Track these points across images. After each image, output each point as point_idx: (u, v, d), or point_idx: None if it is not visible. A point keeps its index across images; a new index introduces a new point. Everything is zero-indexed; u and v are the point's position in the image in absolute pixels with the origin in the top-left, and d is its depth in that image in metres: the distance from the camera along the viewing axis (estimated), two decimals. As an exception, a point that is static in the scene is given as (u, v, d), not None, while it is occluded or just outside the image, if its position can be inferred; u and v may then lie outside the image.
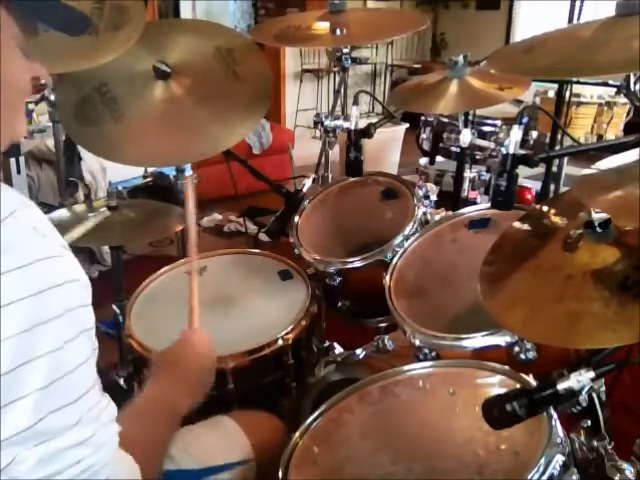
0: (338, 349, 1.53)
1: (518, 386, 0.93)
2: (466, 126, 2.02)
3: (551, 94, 3.43)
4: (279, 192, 1.78)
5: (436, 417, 1.03)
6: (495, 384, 1.01)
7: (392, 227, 1.53)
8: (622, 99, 3.37)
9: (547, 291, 0.95)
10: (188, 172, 1.89)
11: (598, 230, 0.96)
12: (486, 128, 3.06)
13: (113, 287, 1.67)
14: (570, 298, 0.91)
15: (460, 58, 1.69)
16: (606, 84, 3.06)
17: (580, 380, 0.80)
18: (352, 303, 1.55)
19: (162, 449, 0.93)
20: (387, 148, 4.61)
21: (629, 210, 0.84)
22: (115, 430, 0.71)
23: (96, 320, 0.70)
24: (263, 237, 2.26)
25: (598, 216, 0.96)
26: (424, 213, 1.55)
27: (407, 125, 4.69)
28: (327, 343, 1.54)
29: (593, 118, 3.63)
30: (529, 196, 3.21)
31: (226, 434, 1.10)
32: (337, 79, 2.61)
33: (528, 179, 3.36)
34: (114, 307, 1.65)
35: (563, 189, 2.90)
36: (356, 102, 1.60)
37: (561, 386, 0.80)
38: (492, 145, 1.47)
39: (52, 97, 2.14)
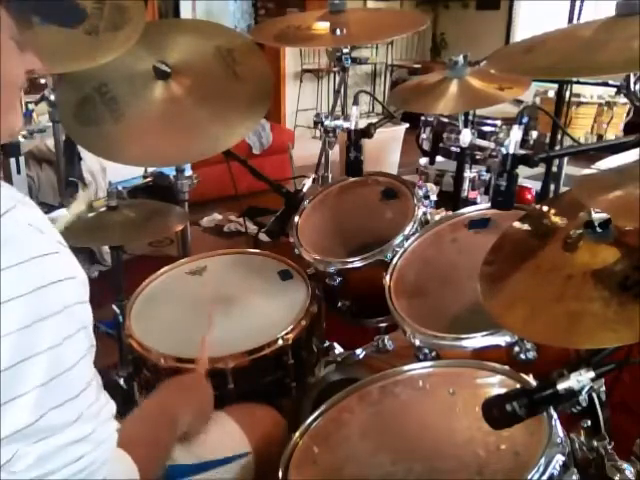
0: (338, 349, 1.53)
1: (518, 386, 0.93)
2: (466, 126, 2.02)
3: (551, 94, 3.43)
4: (279, 192, 1.78)
5: (436, 417, 1.03)
6: (495, 384, 1.01)
7: (392, 227, 1.53)
8: (622, 99, 3.37)
9: (547, 291, 0.95)
10: (188, 172, 1.89)
11: (598, 230, 0.96)
12: (486, 128, 3.06)
13: (113, 287, 1.67)
14: (570, 298, 0.91)
15: (460, 58, 1.69)
16: (606, 84, 3.06)
17: (580, 380, 0.80)
18: (352, 303, 1.55)
19: (163, 452, 0.93)
20: (387, 148, 4.61)
21: (629, 210, 0.84)
22: (114, 427, 0.71)
23: (96, 320, 0.70)
24: (263, 237, 2.26)
25: (598, 216, 0.96)
26: (424, 213, 1.55)
27: (407, 125, 4.69)
28: (327, 343, 1.54)
29: (593, 118, 3.62)
30: (529, 196, 3.21)
31: (224, 428, 1.11)
32: (337, 79, 2.62)
33: (528, 179, 3.36)
34: (114, 307, 1.65)
35: (563, 189, 2.90)
36: (356, 102, 1.60)
37: (561, 386, 0.80)
38: (492, 145, 1.47)
39: (52, 97, 2.15)
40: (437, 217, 1.55)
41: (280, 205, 1.74)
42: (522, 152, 1.16)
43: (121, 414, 0.81)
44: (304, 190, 1.75)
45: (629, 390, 1.39)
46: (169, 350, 1.29)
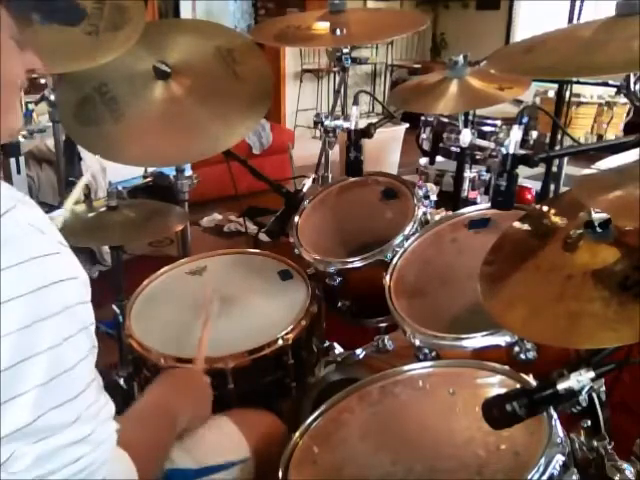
0: (338, 349, 1.53)
1: (518, 386, 0.93)
2: (466, 126, 2.02)
3: (551, 94, 3.43)
4: (279, 192, 1.78)
5: (436, 417, 1.03)
6: (495, 384, 1.01)
7: (392, 227, 1.53)
8: (622, 99, 3.37)
9: (547, 291, 0.95)
10: (188, 172, 1.89)
11: (598, 230, 0.96)
12: (486, 128, 3.06)
13: (113, 287, 1.67)
14: (570, 298, 0.91)
15: (460, 58, 1.69)
16: (606, 84, 3.06)
17: (580, 380, 0.80)
18: (352, 303, 1.55)
19: (162, 452, 0.93)
20: (387, 148, 4.61)
21: (629, 210, 0.84)
22: (114, 428, 0.71)
23: (96, 320, 0.70)
24: (263, 237, 2.26)
25: (598, 216, 0.96)
26: (424, 213, 1.55)
27: (407, 125, 4.69)
28: (327, 343, 1.54)
29: (593, 118, 3.62)
30: (529, 196, 3.21)
31: (224, 433, 1.10)
32: (337, 79, 2.62)
33: (528, 179, 3.36)
34: (114, 307, 1.65)
35: (563, 189, 2.90)
36: (356, 102, 1.60)
37: (561, 386, 0.80)
38: (492, 145, 1.47)
39: (52, 97, 2.14)
40: (437, 217, 1.55)
41: (280, 205, 1.74)
42: (522, 152, 1.16)
43: (121, 414, 0.81)
44: (304, 190, 1.75)
45: (629, 390, 1.39)
46: (169, 350, 1.29)
